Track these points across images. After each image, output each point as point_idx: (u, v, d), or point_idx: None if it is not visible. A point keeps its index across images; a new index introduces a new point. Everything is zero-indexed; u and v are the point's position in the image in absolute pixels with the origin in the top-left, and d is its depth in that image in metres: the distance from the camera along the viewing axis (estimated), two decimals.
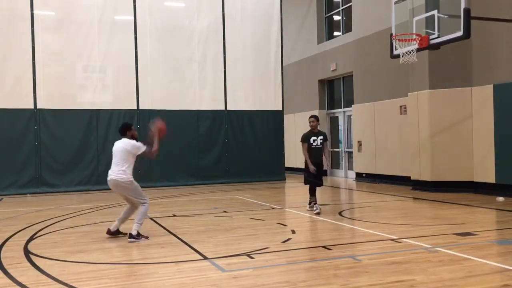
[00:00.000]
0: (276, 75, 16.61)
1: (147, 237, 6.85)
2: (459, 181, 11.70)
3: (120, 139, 6.96)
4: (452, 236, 6.63)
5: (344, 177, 17.39)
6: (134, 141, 6.87)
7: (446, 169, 11.87)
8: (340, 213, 8.96)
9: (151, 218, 8.65)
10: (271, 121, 16.42)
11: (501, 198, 10.26)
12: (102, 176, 13.96)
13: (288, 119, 18.69)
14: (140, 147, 6.85)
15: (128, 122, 7.16)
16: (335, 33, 18.35)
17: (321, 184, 9.25)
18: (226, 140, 15.83)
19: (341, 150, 17.75)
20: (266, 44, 16.49)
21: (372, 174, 15.09)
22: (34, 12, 13.77)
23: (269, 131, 16.39)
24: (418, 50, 9.93)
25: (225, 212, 9.48)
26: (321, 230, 7.77)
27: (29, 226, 8.12)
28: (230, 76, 15.89)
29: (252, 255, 5.71)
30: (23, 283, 4.76)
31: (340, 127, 17.89)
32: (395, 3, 10.82)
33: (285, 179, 16.35)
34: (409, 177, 12.90)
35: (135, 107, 14.69)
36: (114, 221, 7.10)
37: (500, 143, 10.91)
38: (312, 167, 8.96)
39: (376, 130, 14.82)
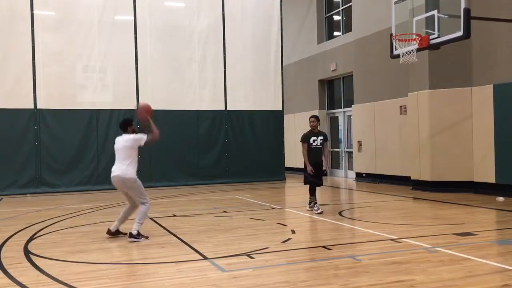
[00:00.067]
0: (276, 75, 16.61)
1: (147, 237, 6.85)
2: (459, 181, 11.70)
3: (121, 134, 6.97)
4: (452, 236, 6.63)
5: (344, 177, 17.40)
6: (133, 135, 6.87)
7: (446, 169, 11.87)
8: (340, 213, 8.96)
9: (151, 218, 8.65)
10: (271, 121, 16.42)
11: (501, 198, 10.26)
12: (102, 176, 14.05)
13: (288, 119, 18.69)
14: (141, 138, 6.84)
15: (129, 118, 7.14)
16: (335, 33, 18.35)
17: (321, 184, 9.25)
18: (226, 140, 15.84)
19: (341, 150, 17.76)
20: (266, 44, 16.49)
21: (372, 174, 15.09)
22: (34, 12, 13.77)
23: (269, 131, 16.39)
24: (418, 50, 9.92)
25: (225, 212, 9.48)
26: (321, 230, 7.77)
27: (29, 226, 8.12)
28: (230, 76, 15.89)
29: (252, 255, 5.71)
30: (23, 283, 4.76)
31: (340, 127, 17.89)
32: (395, 3, 10.82)
33: (285, 179, 16.35)
34: (409, 177, 12.90)
35: (135, 107, 14.66)
36: (114, 221, 7.10)
37: (500, 143, 10.91)
38: (310, 168, 8.97)
39: (376, 130, 14.82)
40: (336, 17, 18.36)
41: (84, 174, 14.15)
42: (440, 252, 5.68)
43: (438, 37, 9.63)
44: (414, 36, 9.94)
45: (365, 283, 4.56)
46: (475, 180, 11.52)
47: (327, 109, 18.45)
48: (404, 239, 6.44)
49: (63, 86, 14.11)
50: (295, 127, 18.68)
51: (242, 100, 16.08)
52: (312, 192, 9.22)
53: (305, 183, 9.32)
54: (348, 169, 17.29)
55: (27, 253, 6.11)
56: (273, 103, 16.52)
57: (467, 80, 11.66)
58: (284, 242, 6.49)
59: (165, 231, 7.50)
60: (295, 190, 13.68)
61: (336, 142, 18.12)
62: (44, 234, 7.42)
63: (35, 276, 5.03)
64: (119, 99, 14.57)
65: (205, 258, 5.67)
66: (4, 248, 6.42)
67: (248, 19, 16.20)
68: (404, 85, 13.26)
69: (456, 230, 7.05)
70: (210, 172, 15.49)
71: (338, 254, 5.76)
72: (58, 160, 13.96)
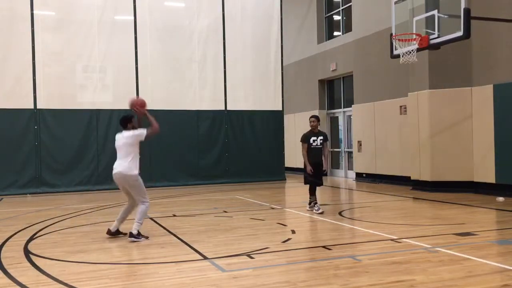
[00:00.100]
0: (276, 75, 16.61)
1: (147, 237, 6.84)
2: (459, 181, 11.70)
3: (121, 131, 6.97)
4: (452, 236, 6.63)
5: (344, 177, 17.40)
6: (132, 131, 6.87)
7: (446, 169, 11.87)
8: (340, 213, 8.96)
9: (151, 218, 8.65)
10: (271, 121, 16.42)
11: (501, 198, 10.26)
12: (102, 176, 14.07)
13: (288, 119, 18.69)
14: (141, 133, 6.84)
15: (129, 114, 7.12)
16: (335, 33, 18.36)
17: (321, 184, 9.25)
18: (226, 140, 15.84)
19: (341, 150, 17.76)
20: (266, 44, 16.50)
21: (372, 174, 15.09)
22: (34, 12, 13.77)
23: (269, 131, 16.39)
24: (418, 50, 9.93)
25: (225, 212, 9.48)
26: (321, 230, 7.77)
27: (29, 226, 8.12)
28: (230, 76, 15.89)
29: (252, 255, 5.71)
30: (23, 283, 4.77)
31: (340, 127, 17.90)
32: (395, 3, 10.82)
33: (285, 179, 16.35)
34: (409, 177, 12.90)
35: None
36: (114, 221, 7.10)
37: (500, 143, 10.91)
38: (309, 168, 8.97)
39: (376, 130, 14.82)
40: (336, 17, 18.36)
41: (84, 174, 14.15)
42: (440, 252, 5.68)
43: (438, 37, 9.63)
44: (414, 36, 9.94)
45: (365, 283, 4.56)
46: (475, 180, 11.53)
47: (327, 109, 18.45)
48: (404, 239, 6.44)
49: (63, 86, 14.11)
50: (295, 127, 18.68)
51: (242, 100, 16.08)
52: (312, 192, 9.23)
53: (305, 183, 9.32)
54: (348, 169, 17.29)
55: (27, 253, 6.11)
56: (273, 103, 16.52)
57: (467, 80, 11.67)
58: (284, 242, 6.49)
59: (165, 231, 7.50)
60: (295, 190, 13.68)
61: (336, 142, 18.12)
62: (44, 234, 7.42)
63: (35, 276, 5.03)
64: (119, 99, 14.53)
65: (205, 258, 5.67)
66: (4, 248, 6.42)
67: (248, 19, 16.20)
68: (404, 85, 13.26)
69: (456, 230, 7.05)
70: (210, 172, 15.49)
71: (338, 254, 5.76)
72: (58, 160, 13.96)
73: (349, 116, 17.09)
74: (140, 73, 14.75)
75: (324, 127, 17.42)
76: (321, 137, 9.13)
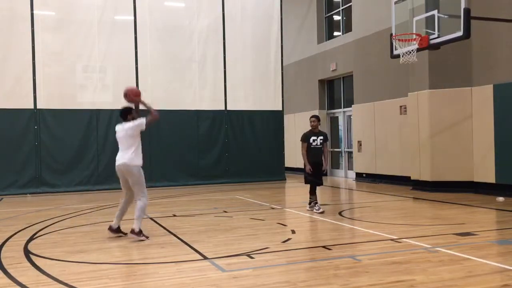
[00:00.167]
0: (276, 75, 16.61)
1: (147, 237, 6.85)
2: (459, 181, 11.70)
3: (121, 122, 6.98)
4: (452, 236, 6.63)
5: (344, 177, 17.40)
6: (133, 122, 6.87)
7: (446, 169, 11.87)
8: (340, 213, 8.96)
9: (151, 218, 8.65)
10: (271, 121, 16.42)
11: (501, 198, 10.26)
12: (102, 176, 14.08)
13: (288, 119, 18.69)
14: (142, 123, 6.85)
15: (129, 106, 7.13)
16: (335, 33, 18.36)
17: (321, 184, 9.26)
18: (226, 140, 15.84)
19: (341, 150, 17.76)
20: (266, 44, 16.50)
21: (372, 174, 15.09)
22: (34, 12, 13.76)
23: (269, 131, 16.39)
24: (418, 50, 9.93)
25: (225, 212, 9.48)
26: (321, 230, 7.77)
27: (29, 226, 8.12)
28: (230, 76, 15.89)
29: (252, 255, 5.71)
30: (23, 283, 4.77)
31: (340, 127, 17.90)
32: (395, 3, 10.82)
33: (285, 179, 16.35)
34: (409, 177, 12.90)
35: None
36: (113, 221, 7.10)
37: (500, 143, 10.91)
38: (308, 167, 8.99)
39: (376, 130, 14.82)
40: (336, 17, 18.36)
41: (84, 174, 14.15)
42: (440, 252, 5.68)
43: (438, 37, 9.63)
44: (414, 36, 9.94)
45: (365, 283, 4.56)
46: (475, 180, 11.53)
47: (327, 109, 18.45)
48: (404, 239, 6.44)
49: (63, 86, 14.11)
50: (295, 127, 18.68)
51: (242, 100, 16.08)
52: (313, 192, 9.23)
53: (306, 182, 9.33)
54: (348, 169, 17.29)
55: (27, 253, 6.11)
56: (273, 103, 16.52)
57: (467, 80, 11.67)
58: (284, 242, 6.49)
59: (165, 231, 7.50)
60: (295, 190, 13.68)
61: (336, 142, 18.12)
62: (44, 234, 7.42)
63: (35, 276, 5.03)
64: (119, 99, 14.21)
65: (205, 258, 5.67)
66: (4, 248, 6.42)
67: (248, 19, 16.20)
68: (404, 85, 13.26)
69: (456, 230, 7.05)
70: (210, 172, 15.49)
71: (338, 254, 5.76)
72: (58, 160, 13.96)
73: (349, 116, 17.09)
74: (140, 73, 14.75)
75: (324, 127, 17.42)
76: (321, 137, 9.13)
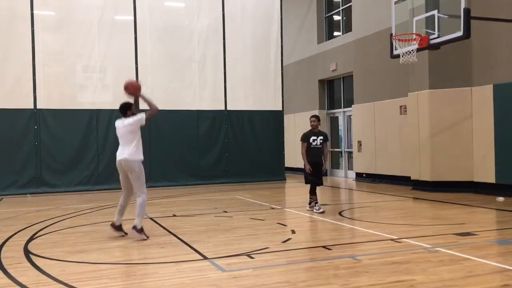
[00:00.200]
0: (276, 75, 16.61)
1: (147, 237, 6.85)
2: (459, 181, 11.70)
3: (120, 118, 7.00)
4: (452, 236, 6.63)
5: (344, 177, 17.40)
6: (132, 118, 6.89)
7: (446, 169, 11.87)
8: (340, 213, 8.96)
9: (151, 218, 8.66)
10: (271, 121, 16.42)
11: (501, 198, 10.26)
12: (102, 176, 14.08)
13: (288, 119, 18.69)
14: (141, 118, 6.87)
15: (128, 102, 7.12)
16: (335, 33, 18.36)
17: (321, 184, 9.27)
18: (226, 140, 15.84)
19: (341, 150, 17.76)
20: (266, 44, 16.49)
21: (372, 174, 15.09)
22: (34, 12, 13.76)
23: (269, 131, 16.39)
24: (418, 50, 9.93)
25: (225, 212, 9.48)
26: (321, 230, 7.77)
27: (29, 226, 8.12)
28: (230, 76, 15.89)
29: (252, 255, 5.71)
30: (23, 283, 4.76)
31: (340, 127, 17.90)
32: (395, 3, 10.82)
33: (285, 179, 16.35)
34: (409, 177, 12.90)
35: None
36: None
37: (500, 143, 10.91)
38: (308, 167, 8.99)
39: (376, 130, 14.82)
40: (336, 17, 18.36)
41: (84, 174, 14.15)
42: (440, 252, 5.68)
43: (438, 37, 9.63)
44: (414, 36, 9.95)
45: (365, 283, 4.56)
46: (475, 180, 11.53)
47: (327, 109, 18.45)
48: (404, 239, 6.44)
49: (63, 86, 14.10)
50: (295, 127, 18.68)
51: (242, 100, 16.08)
52: (313, 192, 9.23)
53: (306, 182, 9.34)
54: (348, 169, 17.29)
55: (27, 253, 6.11)
56: (273, 103, 16.52)
57: (467, 80, 11.67)
58: (284, 242, 6.49)
59: (165, 231, 7.50)
60: (295, 190, 13.68)
61: (336, 142, 18.12)
62: (44, 234, 7.42)
63: (35, 276, 5.03)
64: (119, 99, 14.14)
65: (205, 258, 5.67)
66: (4, 248, 6.42)
67: (248, 19, 16.20)
68: (404, 85, 13.26)
69: (456, 230, 7.05)
70: (210, 172, 15.49)
71: (338, 254, 5.76)
72: (58, 160, 13.96)
73: (349, 116, 17.09)
74: (140, 73, 14.74)
75: (324, 127, 17.42)
76: (321, 137, 9.14)
